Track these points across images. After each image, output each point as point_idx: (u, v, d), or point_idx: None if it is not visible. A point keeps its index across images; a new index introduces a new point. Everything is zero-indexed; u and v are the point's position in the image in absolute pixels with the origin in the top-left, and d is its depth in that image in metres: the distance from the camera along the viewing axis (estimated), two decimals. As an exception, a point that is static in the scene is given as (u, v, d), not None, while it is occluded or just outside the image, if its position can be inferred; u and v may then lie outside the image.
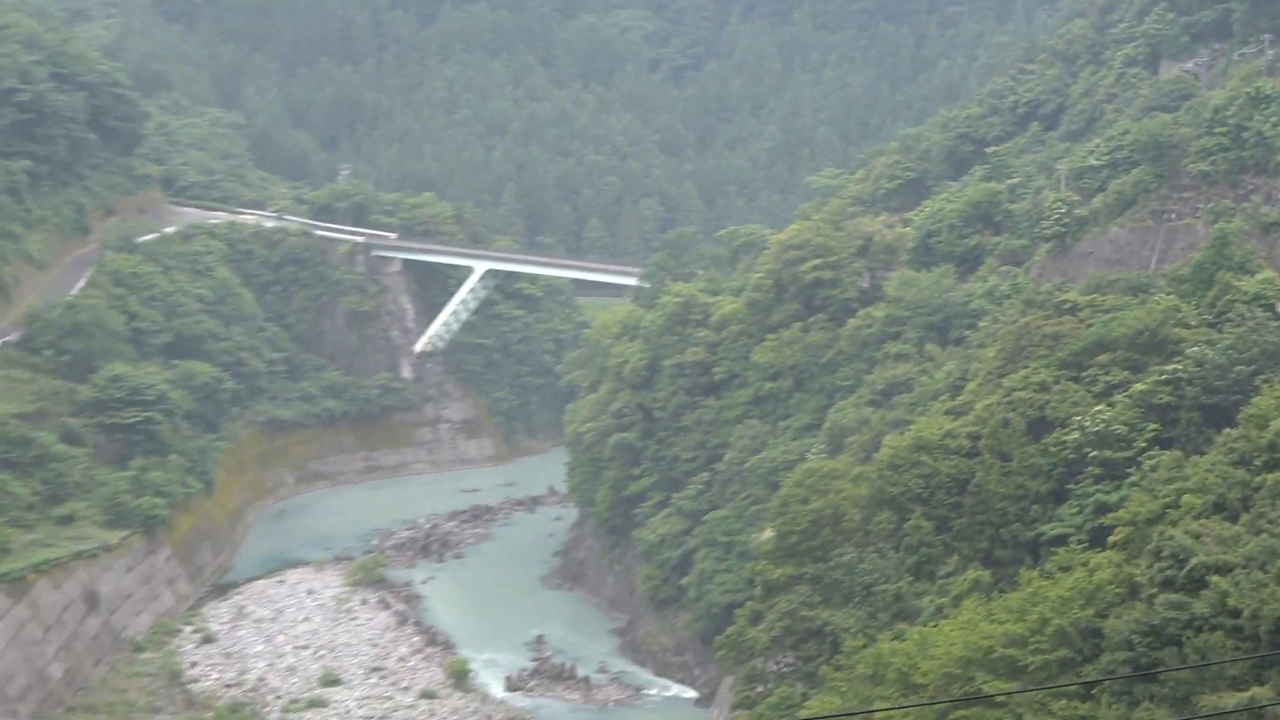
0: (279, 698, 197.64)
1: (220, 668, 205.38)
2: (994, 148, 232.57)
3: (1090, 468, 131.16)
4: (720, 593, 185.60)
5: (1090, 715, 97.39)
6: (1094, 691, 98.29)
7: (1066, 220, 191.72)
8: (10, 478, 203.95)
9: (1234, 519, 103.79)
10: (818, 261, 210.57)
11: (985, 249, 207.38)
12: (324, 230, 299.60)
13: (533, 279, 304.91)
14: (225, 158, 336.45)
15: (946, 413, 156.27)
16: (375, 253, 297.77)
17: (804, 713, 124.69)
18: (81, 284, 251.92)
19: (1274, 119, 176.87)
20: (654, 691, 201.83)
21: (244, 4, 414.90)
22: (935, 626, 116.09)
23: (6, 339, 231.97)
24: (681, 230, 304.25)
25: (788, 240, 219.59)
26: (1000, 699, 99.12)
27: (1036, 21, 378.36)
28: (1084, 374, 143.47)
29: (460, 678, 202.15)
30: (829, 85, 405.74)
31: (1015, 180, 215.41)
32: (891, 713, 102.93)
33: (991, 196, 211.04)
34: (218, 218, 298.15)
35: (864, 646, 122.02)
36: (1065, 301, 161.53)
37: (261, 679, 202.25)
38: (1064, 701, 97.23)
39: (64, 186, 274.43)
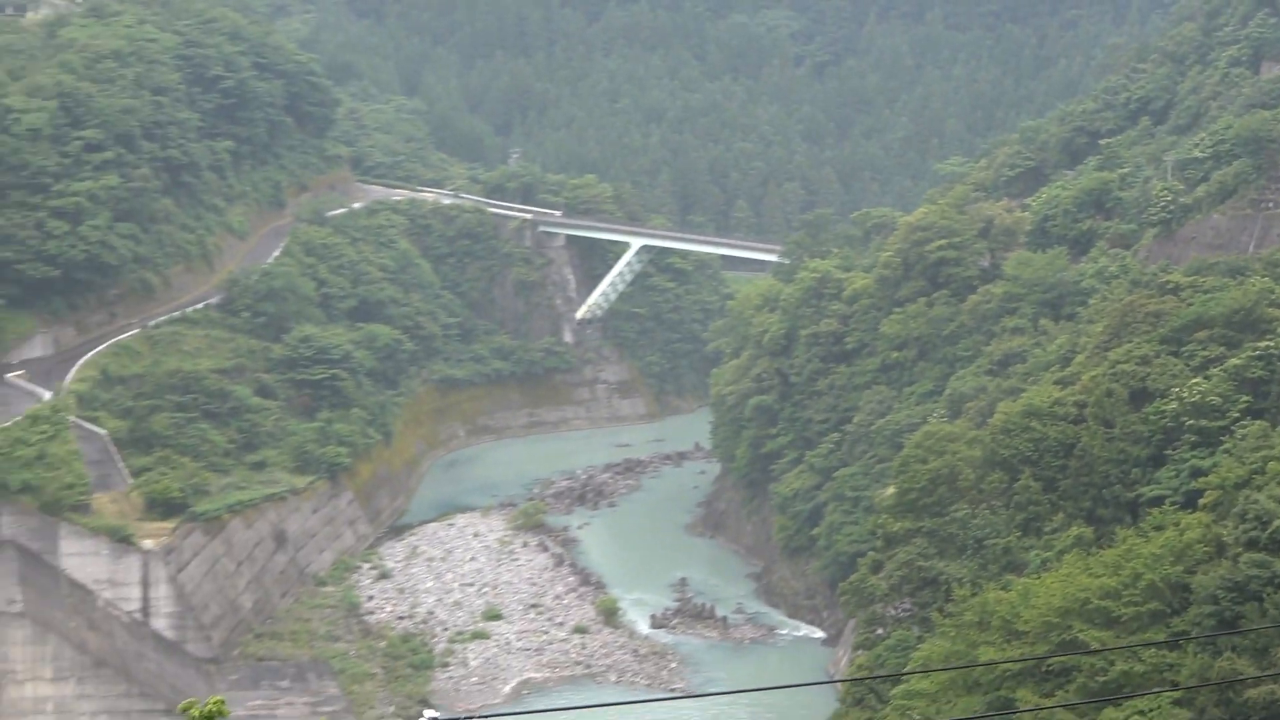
0: (446, 630, 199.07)
1: (394, 601, 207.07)
2: (1107, 140, 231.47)
3: (1186, 435, 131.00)
4: (847, 543, 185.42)
5: (1177, 664, 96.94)
6: (1181, 642, 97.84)
7: (1172, 207, 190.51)
8: (210, 427, 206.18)
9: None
10: (942, 242, 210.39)
11: (1096, 232, 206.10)
12: (496, 207, 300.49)
13: (683, 254, 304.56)
14: (408, 141, 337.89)
15: (1056, 382, 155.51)
16: (541, 228, 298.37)
17: (918, 655, 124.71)
18: (277, 253, 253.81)
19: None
20: (785, 632, 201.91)
21: (428, 1, 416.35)
22: (1037, 579, 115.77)
23: (209, 301, 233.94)
24: (820, 212, 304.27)
25: (915, 222, 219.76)
26: (1095, 647, 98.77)
27: (1149, 24, 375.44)
28: (1183, 349, 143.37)
29: (610, 615, 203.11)
30: (958, 81, 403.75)
31: (1126, 170, 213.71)
32: (996, 657, 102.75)
33: (1104, 185, 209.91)
34: (400, 195, 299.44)
35: (972, 595, 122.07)
36: (1168, 282, 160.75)
37: (431, 612, 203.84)
38: (1153, 651, 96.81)
39: (263, 165, 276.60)
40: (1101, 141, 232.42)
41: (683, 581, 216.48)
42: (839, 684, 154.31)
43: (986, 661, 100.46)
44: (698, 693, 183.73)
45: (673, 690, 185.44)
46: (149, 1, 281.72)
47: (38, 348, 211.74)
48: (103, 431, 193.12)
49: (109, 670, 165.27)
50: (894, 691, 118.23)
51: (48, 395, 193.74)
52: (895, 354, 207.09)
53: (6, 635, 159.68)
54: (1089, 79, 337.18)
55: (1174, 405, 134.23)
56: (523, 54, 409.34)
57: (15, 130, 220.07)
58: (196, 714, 36.11)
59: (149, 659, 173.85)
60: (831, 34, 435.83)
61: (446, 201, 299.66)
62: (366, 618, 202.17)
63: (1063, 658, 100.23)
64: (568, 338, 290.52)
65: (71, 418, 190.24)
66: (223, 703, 37.00)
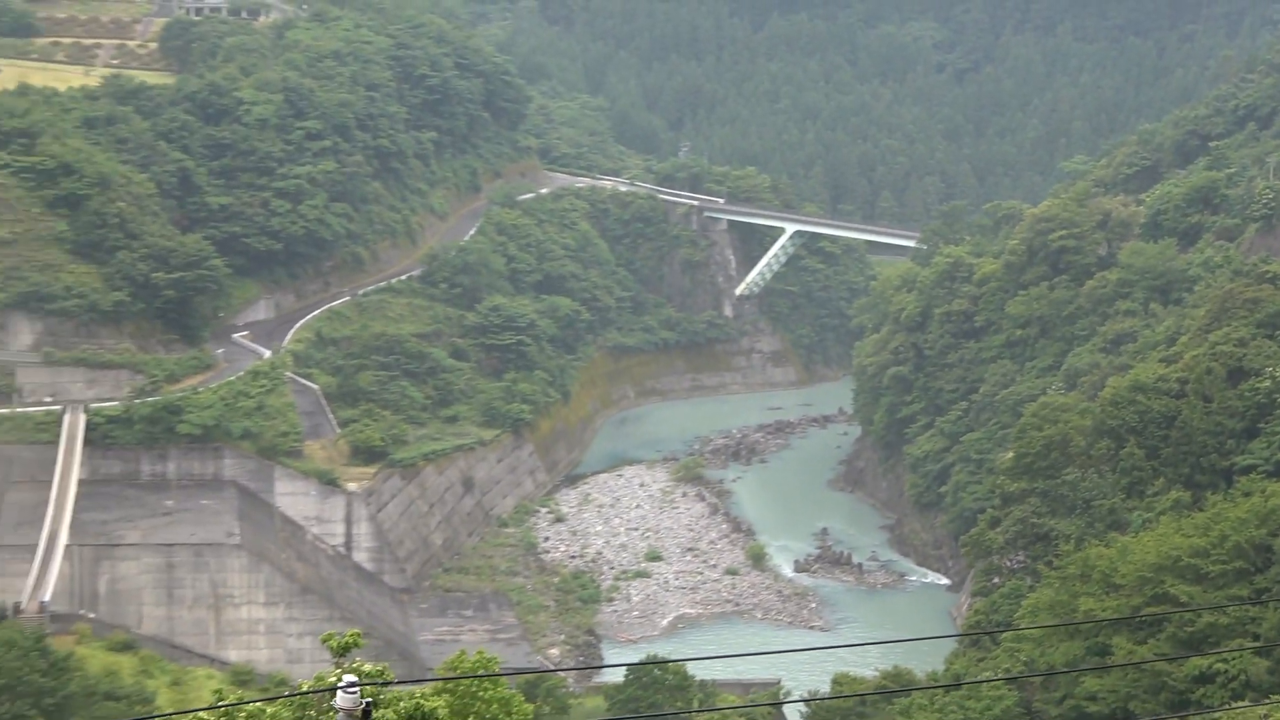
0: (612, 568, 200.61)
1: (567, 542, 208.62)
2: (1216, 142, 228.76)
3: (1278, 411, 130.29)
4: (970, 500, 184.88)
5: (1258, 617, 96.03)
6: (1264, 598, 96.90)
7: (1273, 205, 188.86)
8: (409, 384, 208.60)
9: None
10: (1064, 232, 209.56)
11: (1204, 226, 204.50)
12: (666, 195, 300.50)
13: (832, 239, 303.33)
14: (591, 134, 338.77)
15: (1161, 360, 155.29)
16: (706, 214, 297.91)
17: (1026, 603, 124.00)
18: (472, 232, 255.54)
19: None
20: (914, 578, 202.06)
21: (611, 9, 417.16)
22: (1135, 537, 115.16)
23: (411, 274, 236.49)
24: (955, 203, 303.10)
25: (1041, 214, 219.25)
26: (1184, 601, 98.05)
27: (1259, 38, 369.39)
28: (1277, 332, 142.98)
29: (758, 559, 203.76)
30: (1084, 87, 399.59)
31: (1232, 170, 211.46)
32: (1095, 607, 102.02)
33: (1211, 183, 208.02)
34: (582, 182, 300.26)
35: (1075, 551, 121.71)
36: (1267, 272, 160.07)
37: (599, 553, 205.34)
38: (1237, 606, 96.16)
39: (461, 154, 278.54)
40: (1211, 144, 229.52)
41: (824, 531, 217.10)
42: (959, 626, 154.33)
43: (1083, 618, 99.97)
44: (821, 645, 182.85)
45: (812, 627, 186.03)
46: (365, 8, 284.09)
47: (261, 312, 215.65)
48: (315, 386, 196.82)
49: (314, 596, 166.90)
50: (1004, 636, 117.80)
51: (268, 354, 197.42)
52: (1019, 332, 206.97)
53: (226, 564, 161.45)
54: (1203, 87, 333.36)
55: (1268, 384, 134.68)
56: (695, 58, 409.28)
57: (246, 120, 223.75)
58: (335, 645, 36.42)
59: (350, 588, 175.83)
60: (971, 43, 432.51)
61: (623, 189, 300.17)
62: (542, 556, 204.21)
63: (1155, 608, 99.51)
64: (727, 311, 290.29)
65: (288, 374, 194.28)
66: (359, 635, 37.30)
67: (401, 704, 35.01)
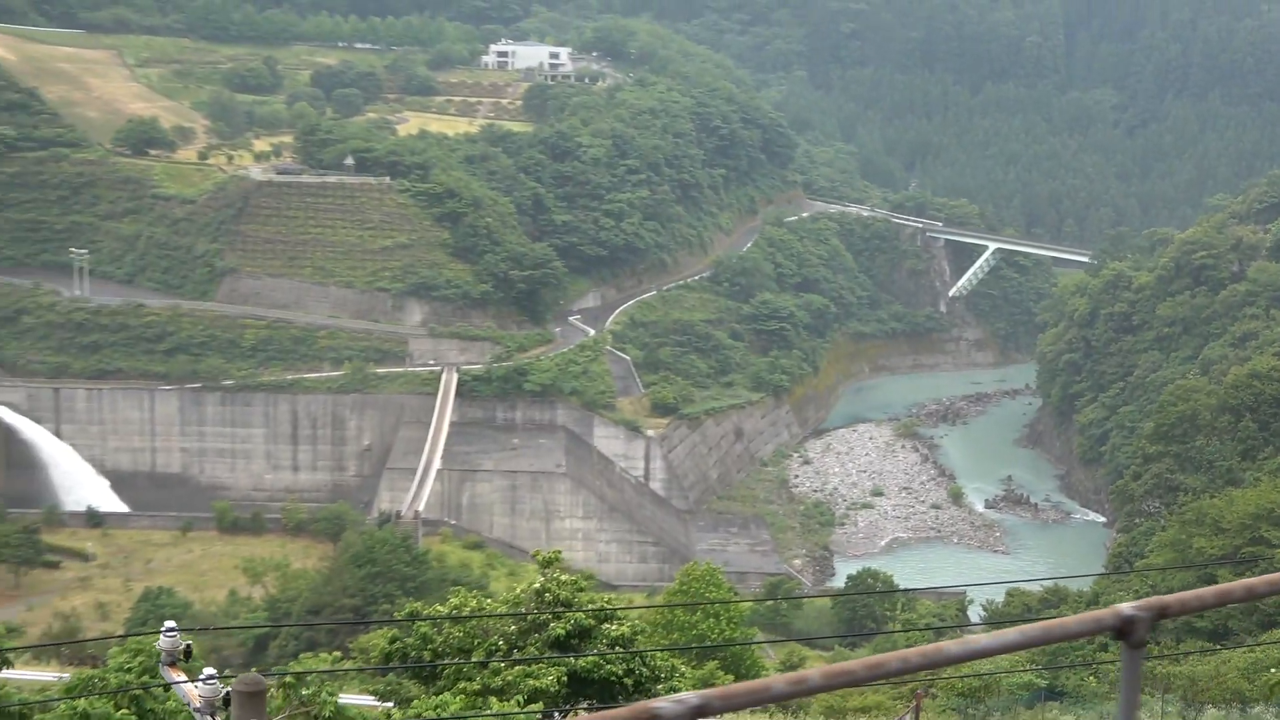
0: (844, 500, 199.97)
1: (811, 480, 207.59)
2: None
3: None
4: (1123, 457, 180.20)
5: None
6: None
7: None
8: (696, 357, 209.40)
9: None
10: (1204, 253, 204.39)
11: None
12: (898, 219, 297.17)
13: (1025, 255, 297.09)
14: (842, 172, 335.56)
15: (1275, 354, 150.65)
16: (928, 234, 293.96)
17: (1155, 539, 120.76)
18: (749, 244, 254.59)
19: None
20: (1077, 516, 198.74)
21: (862, 79, 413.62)
22: (1241, 492, 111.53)
23: (702, 275, 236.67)
24: (1122, 229, 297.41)
25: (1187, 238, 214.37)
26: (1276, 544, 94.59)
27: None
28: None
29: (957, 497, 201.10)
30: (1228, 141, 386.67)
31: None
32: (1205, 546, 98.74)
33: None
34: (835, 209, 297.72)
35: (1192, 501, 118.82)
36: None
37: (835, 489, 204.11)
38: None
39: (743, 186, 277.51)
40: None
41: (1009, 477, 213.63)
42: (1106, 555, 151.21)
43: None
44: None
45: (996, 550, 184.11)
46: (675, 75, 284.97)
47: (589, 301, 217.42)
48: (626, 358, 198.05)
49: (619, 514, 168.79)
50: (1136, 564, 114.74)
51: (593, 333, 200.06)
52: (1166, 329, 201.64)
53: (555, 487, 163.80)
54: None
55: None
56: (925, 116, 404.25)
57: (583, 158, 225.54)
58: (540, 557, 36.15)
59: (646, 509, 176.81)
60: (1140, 106, 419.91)
61: (865, 214, 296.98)
62: (792, 489, 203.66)
63: (1252, 548, 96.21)
64: (942, 308, 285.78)
65: (607, 348, 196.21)
66: (559, 553, 37.00)
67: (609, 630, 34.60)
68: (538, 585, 33.79)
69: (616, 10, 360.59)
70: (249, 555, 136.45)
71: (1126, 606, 6.77)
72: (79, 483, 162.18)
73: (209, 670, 19.67)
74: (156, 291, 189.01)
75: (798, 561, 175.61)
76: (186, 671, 20.54)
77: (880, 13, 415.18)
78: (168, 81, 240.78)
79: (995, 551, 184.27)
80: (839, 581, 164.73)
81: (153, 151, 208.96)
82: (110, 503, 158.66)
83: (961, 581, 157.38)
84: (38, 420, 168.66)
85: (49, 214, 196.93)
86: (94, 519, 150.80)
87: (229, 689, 16.62)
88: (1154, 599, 6.81)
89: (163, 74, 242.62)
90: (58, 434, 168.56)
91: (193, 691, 19.64)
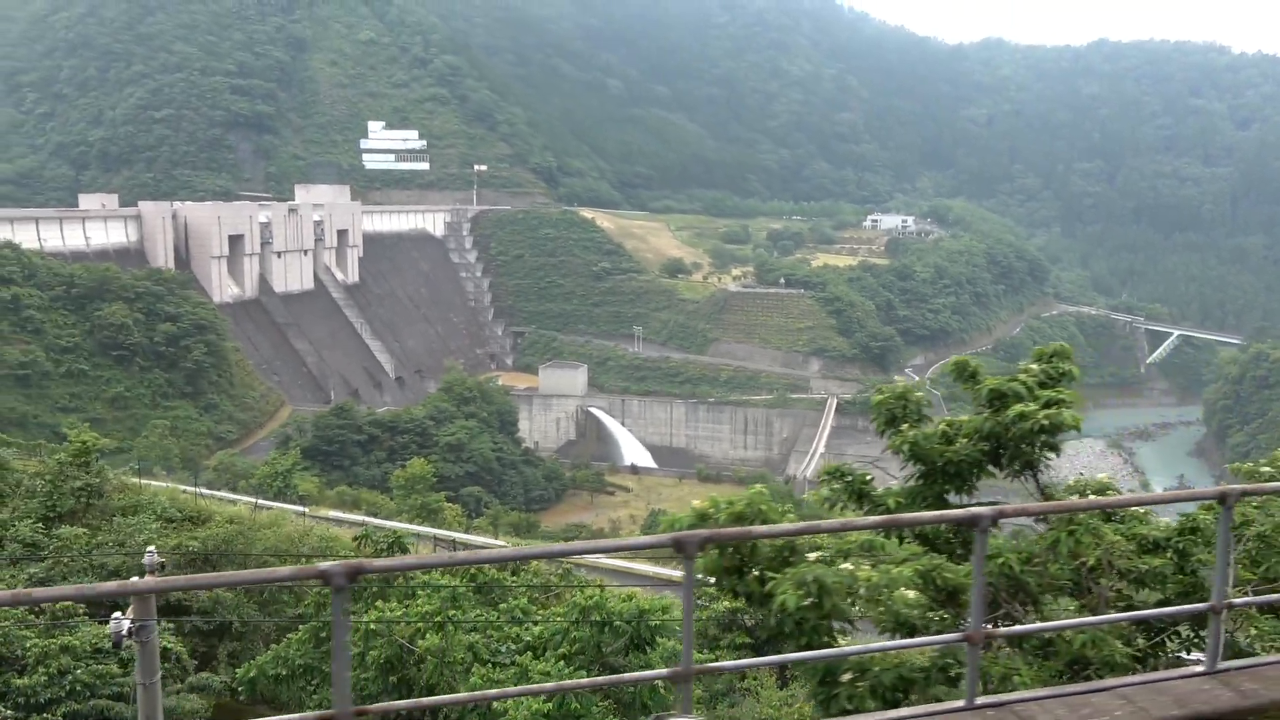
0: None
1: (1046, 474, 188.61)
2: None
3: None
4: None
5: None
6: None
7: None
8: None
9: None
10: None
11: None
12: (1115, 315, 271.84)
13: (1198, 338, 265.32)
14: (1079, 287, 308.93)
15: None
16: (1134, 324, 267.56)
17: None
18: (1017, 329, 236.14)
19: None
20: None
21: (1095, 230, 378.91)
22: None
23: (987, 347, 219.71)
24: (1263, 324, 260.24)
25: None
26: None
27: None
28: None
29: (1145, 488, 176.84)
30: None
31: None
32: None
33: None
34: (1073, 309, 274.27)
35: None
36: None
37: (1060, 481, 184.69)
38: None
39: (1014, 295, 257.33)
40: None
41: (1181, 476, 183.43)
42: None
43: None
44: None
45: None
46: (975, 231, 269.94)
47: (918, 360, 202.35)
48: (937, 393, 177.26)
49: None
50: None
51: (918, 378, 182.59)
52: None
53: (889, 466, 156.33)
54: None
55: None
56: (1133, 251, 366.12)
57: (916, 279, 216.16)
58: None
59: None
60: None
61: (1094, 312, 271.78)
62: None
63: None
64: (1142, 370, 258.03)
65: (926, 387, 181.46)
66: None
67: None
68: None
69: (943, 195, 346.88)
70: (714, 493, 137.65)
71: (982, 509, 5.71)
72: (631, 451, 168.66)
73: (117, 614, 12.31)
74: (677, 349, 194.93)
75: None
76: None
77: (1108, 191, 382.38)
78: (690, 238, 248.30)
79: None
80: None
81: (679, 276, 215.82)
82: (645, 461, 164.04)
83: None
84: (613, 416, 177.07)
85: (624, 308, 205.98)
86: (635, 470, 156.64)
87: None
88: (981, 509, 5.73)
89: (688, 235, 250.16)
90: (622, 423, 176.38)
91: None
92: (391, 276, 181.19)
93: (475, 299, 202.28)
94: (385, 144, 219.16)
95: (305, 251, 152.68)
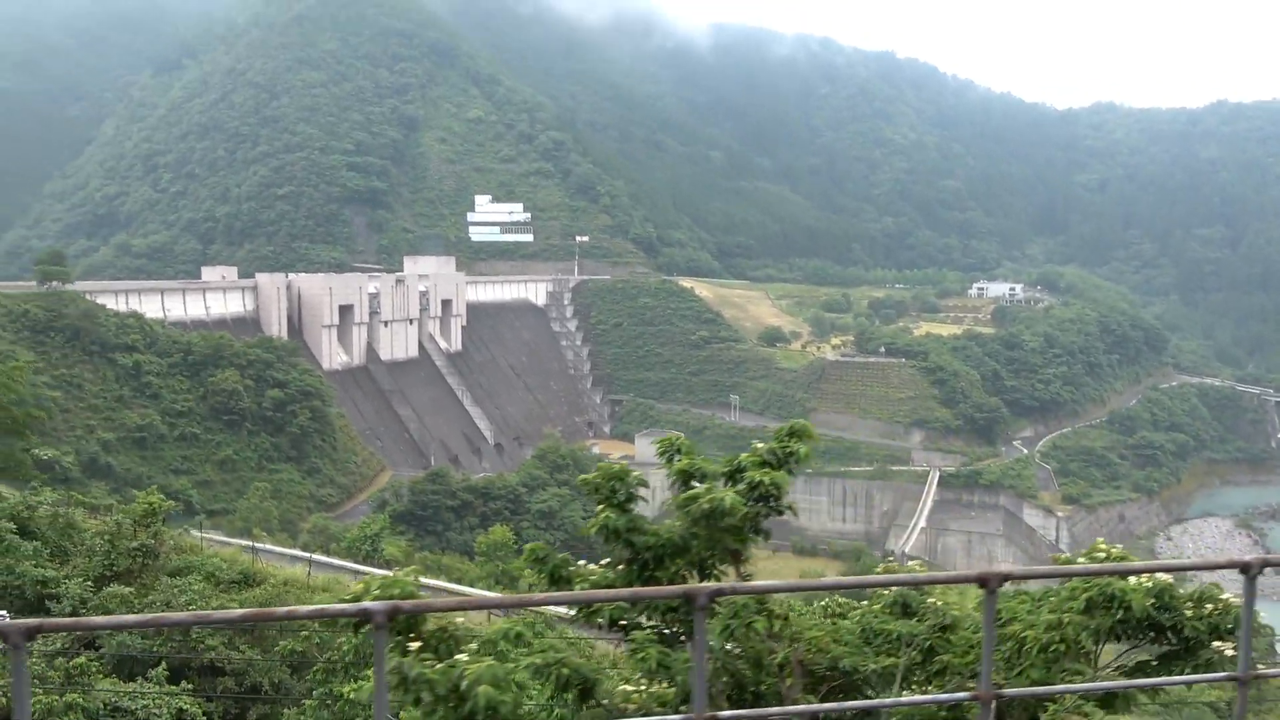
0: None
1: (1171, 550, 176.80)
2: None
3: None
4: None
5: None
6: None
7: None
8: (1095, 470, 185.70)
9: None
10: None
11: None
12: (1240, 387, 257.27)
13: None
14: (1201, 357, 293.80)
15: None
16: (1262, 396, 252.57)
17: None
18: (1134, 401, 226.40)
19: None
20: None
21: (1216, 299, 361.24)
22: None
23: (1101, 419, 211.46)
24: None
25: None
26: None
27: None
28: None
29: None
30: None
31: None
32: None
33: None
34: (1195, 380, 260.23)
35: None
36: None
37: (1188, 556, 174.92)
38: None
39: (1130, 365, 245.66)
40: None
41: None
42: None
43: None
44: None
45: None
46: (1088, 299, 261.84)
47: (1026, 433, 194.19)
48: (1047, 467, 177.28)
49: (1037, 563, 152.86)
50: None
51: (1026, 451, 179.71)
52: None
53: (994, 542, 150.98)
54: None
55: None
56: (1262, 320, 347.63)
57: (1025, 348, 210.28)
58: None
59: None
60: None
61: (1218, 384, 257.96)
62: (1156, 554, 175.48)
63: None
64: (1273, 444, 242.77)
65: (1036, 461, 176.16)
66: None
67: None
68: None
69: (1055, 262, 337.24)
70: (805, 568, 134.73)
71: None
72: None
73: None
74: (774, 418, 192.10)
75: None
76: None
77: (1230, 258, 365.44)
78: (790, 307, 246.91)
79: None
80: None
81: (778, 344, 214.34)
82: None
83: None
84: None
85: (721, 377, 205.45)
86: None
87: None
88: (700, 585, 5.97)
89: (788, 303, 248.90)
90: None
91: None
92: (493, 345, 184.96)
93: (575, 367, 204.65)
94: (491, 216, 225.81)
95: (411, 320, 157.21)
